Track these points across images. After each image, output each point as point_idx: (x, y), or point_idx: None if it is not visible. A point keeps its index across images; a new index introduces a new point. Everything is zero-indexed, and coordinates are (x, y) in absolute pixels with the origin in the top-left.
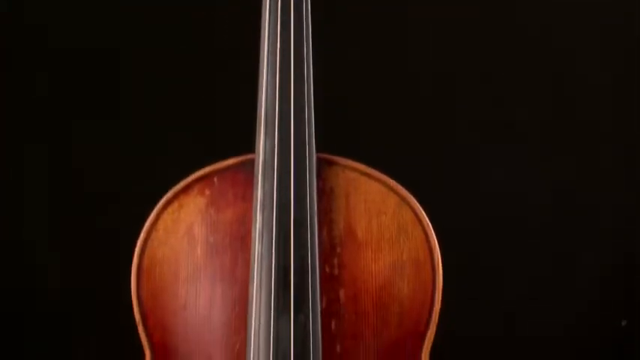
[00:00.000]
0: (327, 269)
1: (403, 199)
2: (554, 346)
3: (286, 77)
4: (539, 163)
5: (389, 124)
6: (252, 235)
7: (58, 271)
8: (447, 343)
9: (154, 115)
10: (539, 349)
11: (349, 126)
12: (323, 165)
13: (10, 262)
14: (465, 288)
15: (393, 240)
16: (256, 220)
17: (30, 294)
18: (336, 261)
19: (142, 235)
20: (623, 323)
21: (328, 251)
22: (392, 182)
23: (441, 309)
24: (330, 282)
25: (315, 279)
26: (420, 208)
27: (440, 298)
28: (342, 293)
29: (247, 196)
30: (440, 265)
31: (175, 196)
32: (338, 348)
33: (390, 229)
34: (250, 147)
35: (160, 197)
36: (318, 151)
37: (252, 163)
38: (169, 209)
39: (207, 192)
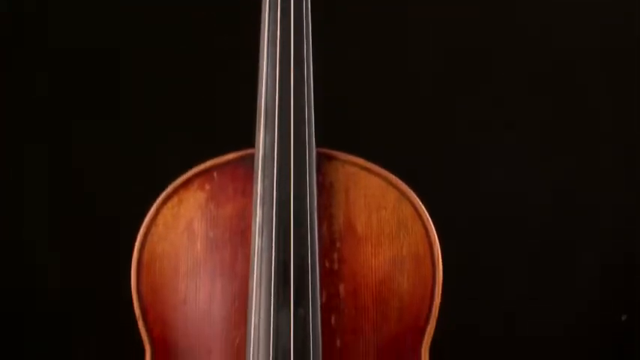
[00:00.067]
0: (327, 264)
1: (403, 193)
2: (554, 346)
3: (286, 75)
4: (539, 163)
5: (389, 124)
6: (252, 229)
7: (58, 271)
8: (446, 342)
9: (154, 115)
10: (539, 349)
11: (349, 126)
12: (323, 159)
13: (10, 262)
14: (465, 288)
15: (393, 235)
16: (256, 214)
17: (30, 294)
18: (335, 256)
19: (142, 230)
20: (623, 318)
21: (328, 246)
22: (392, 177)
23: (441, 304)
24: (329, 277)
25: (315, 273)
26: (420, 203)
27: (440, 293)
28: (341, 288)
29: (247, 191)
30: (440, 259)
31: (175, 191)
32: (338, 342)
33: (390, 224)
34: (250, 147)
35: None
36: (317, 148)
37: (252, 158)
38: (169, 204)
39: (207, 187)
